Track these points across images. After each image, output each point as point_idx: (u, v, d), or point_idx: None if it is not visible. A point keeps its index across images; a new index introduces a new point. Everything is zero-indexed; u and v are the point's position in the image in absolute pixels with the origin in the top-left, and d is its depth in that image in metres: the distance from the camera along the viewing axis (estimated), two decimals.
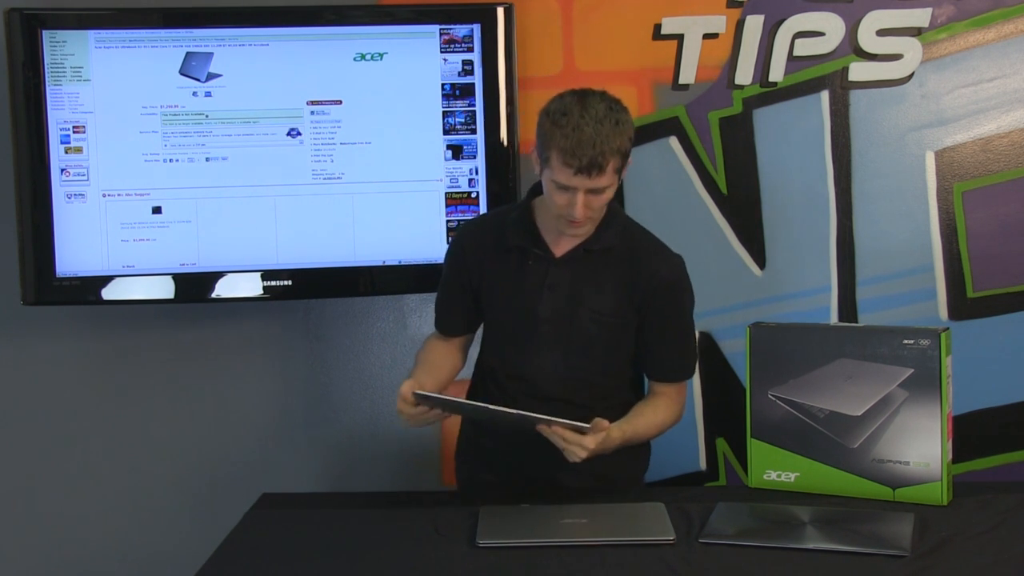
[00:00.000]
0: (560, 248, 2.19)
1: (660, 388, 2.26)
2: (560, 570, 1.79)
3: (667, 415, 2.23)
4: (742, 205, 2.93)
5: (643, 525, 1.95)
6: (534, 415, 2.00)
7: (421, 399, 2.03)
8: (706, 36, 2.89)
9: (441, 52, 2.79)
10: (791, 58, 2.88)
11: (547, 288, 2.19)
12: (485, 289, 2.26)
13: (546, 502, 2.07)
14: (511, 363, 2.25)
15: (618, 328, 2.21)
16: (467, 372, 2.39)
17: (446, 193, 2.80)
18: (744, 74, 2.89)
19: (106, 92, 2.74)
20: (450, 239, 2.30)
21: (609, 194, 2.09)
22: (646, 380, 2.32)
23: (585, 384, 2.23)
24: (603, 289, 2.19)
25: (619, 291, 2.19)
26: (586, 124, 2.00)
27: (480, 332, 2.35)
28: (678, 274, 2.23)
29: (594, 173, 2.01)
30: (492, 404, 2.11)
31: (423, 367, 2.26)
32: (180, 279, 2.78)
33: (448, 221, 2.80)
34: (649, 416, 2.20)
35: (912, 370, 2.08)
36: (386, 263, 2.80)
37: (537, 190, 2.23)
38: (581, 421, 2.02)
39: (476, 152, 2.80)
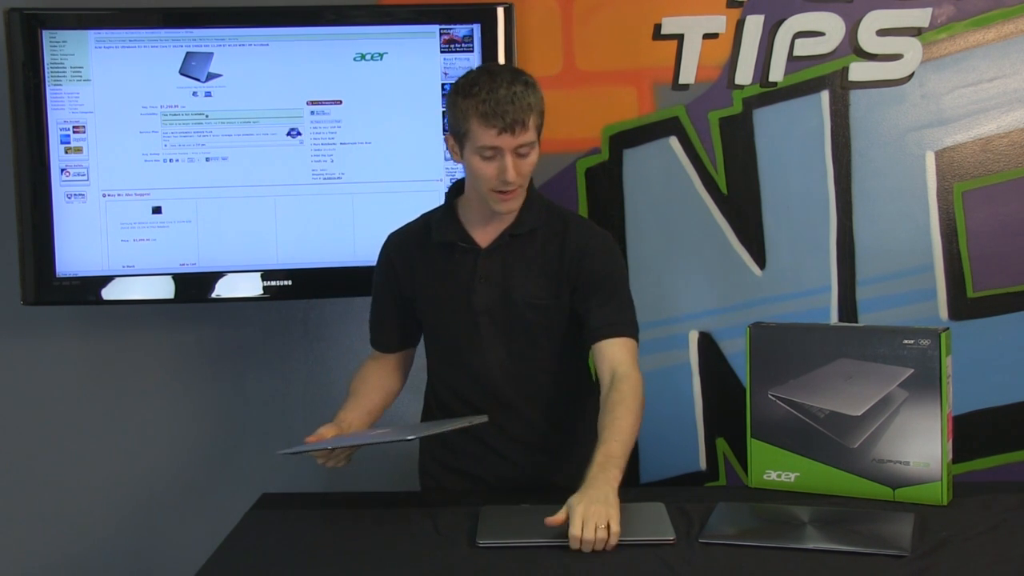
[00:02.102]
0: (486, 238, 2.21)
1: (606, 359, 2.15)
2: (560, 570, 1.79)
3: (633, 396, 2.10)
4: (742, 205, 2.93)
5: (643, 525, 1.94)
6: (409, 434, 2.11)
7: (289, 455, 2.12)
8: (706, 36, 2.89)
9: (441, 52, 2.79)
10: (791, 58, 2.88)
11: (479, 280, 2.20)
12: (418, 292, 2.26)
13: (546, 502, 2.07)
14: (458, 365, 2.26)
15: (554, 310, 2.22)
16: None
17: (446, 193, 2.79)
18: (744, 74, 2.89)
19: (106, 92, 2.74)
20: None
21: (533, 158, 2.11)
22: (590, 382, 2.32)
23: (533, 381, 2.23)
24: (534, 272, 2.21)
25: (549, 272, 2.21)
26: (498, 86, 2.06)
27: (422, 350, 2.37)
28: (605, 245, 2.24)
29: (517, 129, 2.05)
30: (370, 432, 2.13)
31: (351, 400, 2.27)
32: (180, 279, 2.78)
33: None
34: (619, 414, 2.06)
35: (912, 370, 2.08)
36: None
37: (457, 190, 2.26)
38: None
39: None
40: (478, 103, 2.06)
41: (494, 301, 2.20)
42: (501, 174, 2.08)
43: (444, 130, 2.19)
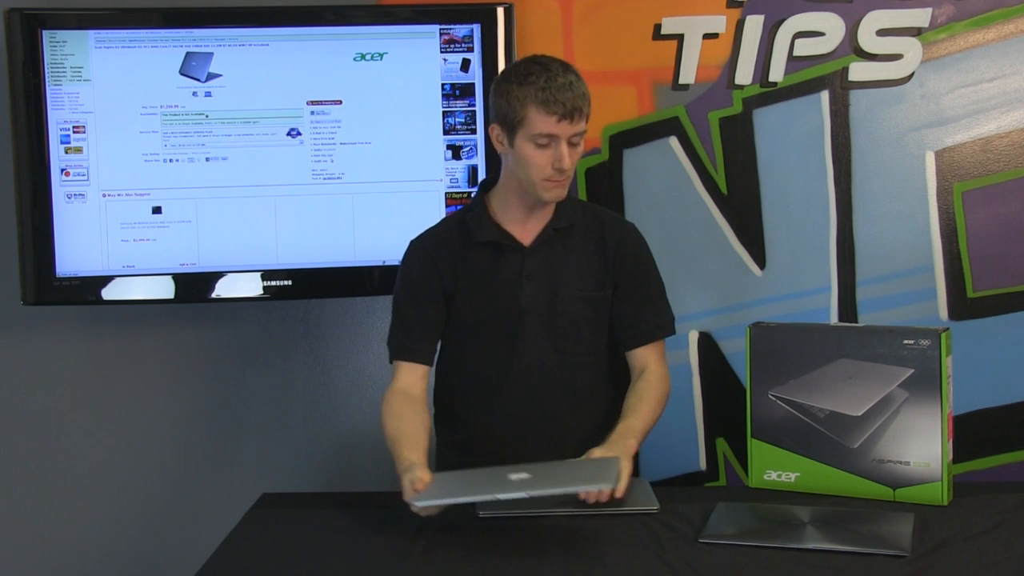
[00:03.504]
0: (527, 235, 2.20)
1: (641, 358, 2.24)
2: (559, 570, 1.79)
3: (660, 387, 2.23)
4: (742, 205, 2.93)
5: (628, 497, 2.01)
6: (543, 492, 1.88)
7: (421, 504, 1.90)
8: (706, 36, 2.89)
9: (441, 52, 2.79)
10: (791, 58, 2.88)
11: (525, 278, 2.19)
12: (458, 294, 2.22)
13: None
14: (496, 367, 2.22)
15: (600, 302, 2.23)
16: None
17: (446, 193, 2.80)
18: (744, 74, 2.89)
19: (106, 92, 2.74)
20: (403, 258, 2.27)
21: (582, 148, 2.13)
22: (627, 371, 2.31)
23: (573, 378, 2.23)
24: (578, 266, 2.21)
25: (593, 264, 2.22)
26: (556, 74, 2.08)
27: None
28: (639, 237, 2.28)
29: (576, 117, 2.07)
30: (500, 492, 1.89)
31: (409, 443, 2.08)
32: (180, 279, 2.78)
33: None
34: (645, 396, 2.19)
35: (912, 370, 2.08)
36: (386, 263, 2.80)
37: (488, 186, 2.25)
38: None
39: (476, 152, 2.80)
40: (537, 90, 2.06)
41: (541, 298, 2.19)
42: (557, 162, 2.08)
43: (489, 120, 2.17)
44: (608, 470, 1.94)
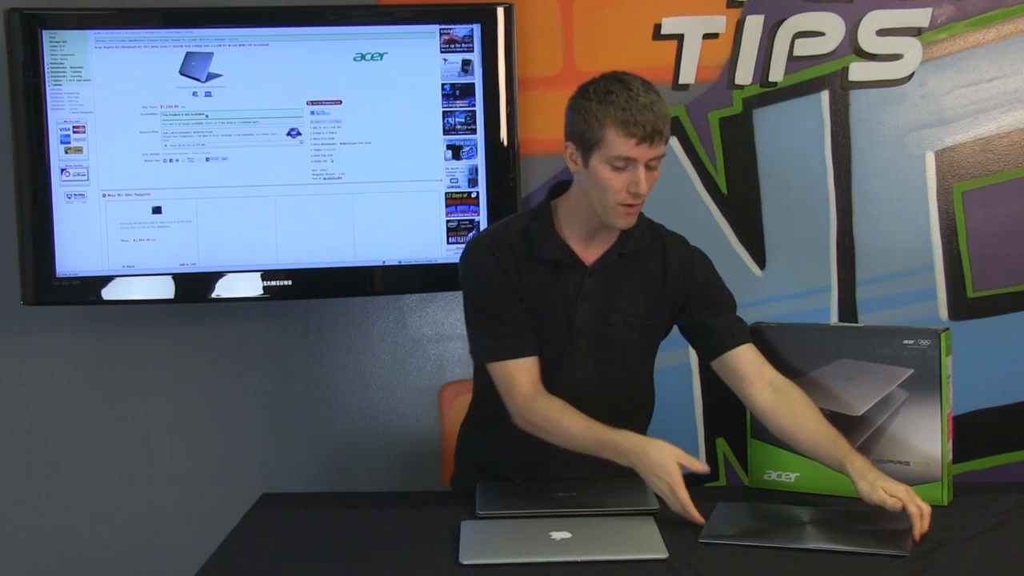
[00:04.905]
0: (589, 256, 2.14)
1: (746, 359, 2.12)
2: (560, 569, 1.79)
3: (801, 391, 2.10)
4: (742, 205, 2.93)
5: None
6: (595, 558, 1.82)
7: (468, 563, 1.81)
8: (706, 36, 2.89)
9: (441, 52, 2.79)
10: (791, 58, 2.88)
11: (581, 298, 2.13)
12: None
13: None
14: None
15: (651, 331, 2.19)
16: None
17: (446, 193, 2.80)
18: (744, 74, 2.89)
19: (106, 92, 2.74)
20: (466, 257, 2.19)
21: (658, 171, 2.05)
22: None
23: (616, 400, 2.18)
24: (634, 292, 2.16)
25: (651, 291, 2.16)
26: (638, 94, 1.99)
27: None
28: (705, 260, 2.22)
29: (656, 140, 1.99)
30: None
31: (584, 419, 2.03)
32: (180, 279, 2.78)
33: (448, 221, 2.80)
34: (810, 410, 2.08)
35: (912, 370, 2.08)
36: (386, 263, 2.80)
37: (557, 192, 2.18)
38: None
39: (476, 152, 2.80)
40: (616, 110, 1.97)
41: (593, 320, 2.14)
42: (633, 186, 2.00)
43: (566, 137, 2.07)
44: (650, 532, 1.89)
